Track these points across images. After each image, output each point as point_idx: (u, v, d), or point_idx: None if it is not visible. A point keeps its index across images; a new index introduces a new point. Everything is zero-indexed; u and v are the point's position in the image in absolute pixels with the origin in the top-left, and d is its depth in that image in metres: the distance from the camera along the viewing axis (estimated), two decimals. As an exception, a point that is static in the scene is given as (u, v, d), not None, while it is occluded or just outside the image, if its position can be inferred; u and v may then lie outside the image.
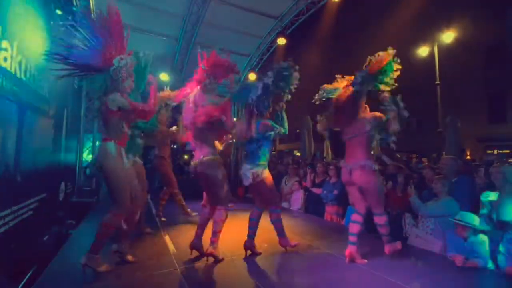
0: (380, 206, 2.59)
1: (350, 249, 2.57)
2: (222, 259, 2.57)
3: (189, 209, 4.26)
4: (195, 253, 2.66)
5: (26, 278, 2.58)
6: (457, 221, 2.53)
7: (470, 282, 2.27)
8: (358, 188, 2.62)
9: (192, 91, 2.79)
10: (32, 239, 2.97)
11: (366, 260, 2.56)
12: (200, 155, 2.66)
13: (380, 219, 2.59)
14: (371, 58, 2.55)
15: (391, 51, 2.48)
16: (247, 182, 2.76)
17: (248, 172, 2.71)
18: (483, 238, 2.45)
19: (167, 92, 3.74)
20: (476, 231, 2.46)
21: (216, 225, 2.62)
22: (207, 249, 2.56)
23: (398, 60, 2.51)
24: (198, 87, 2.74)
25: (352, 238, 2.61)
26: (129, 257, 2.54)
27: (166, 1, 6.47)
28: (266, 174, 2.79)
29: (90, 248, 2.22)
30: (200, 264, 2.56)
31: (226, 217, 2.67)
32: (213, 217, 2.68)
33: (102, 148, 2.31)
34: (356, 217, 2.67)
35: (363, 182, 2.53)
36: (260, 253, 2.80)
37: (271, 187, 2.83)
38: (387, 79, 2.55)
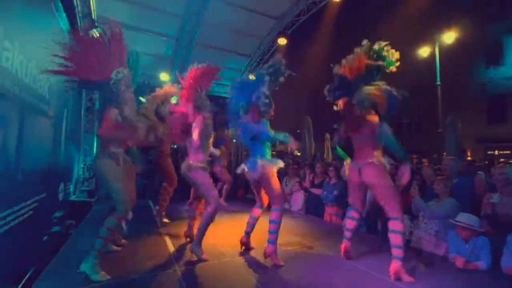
0: (395, 208, 2.29)
1: (345, 244, 2.62)
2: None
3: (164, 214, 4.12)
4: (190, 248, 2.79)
5: (25, 278, 2.57)
6: (457, 223, 2.52)
7: (472, 284, 2.26)
8: (366, 188, 2.51)
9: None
10: (32, 239, 2.96)
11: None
12: (191, 160, 2.80)
13: (394, 224, 2.27)
14: (344, 63, 2.55)
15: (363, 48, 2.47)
16: (254, 174, 2.63)
17: (255, 164, 2.62)
18: (485, 240, 2.44)
19: (164, 89, 3.75)
20: (476, 233, 2.45)
21: (202, 222, 2.74)
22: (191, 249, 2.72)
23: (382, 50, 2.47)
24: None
25: (347, 234, 2.62)
26: (122, 241, 2.92)
27: (166, 1, 6.47)
28: (273, 170, 2.68)
29: (91, 253, 2.26)
30: (200, 265, 2.56)
31: (212, 217, 2.73)
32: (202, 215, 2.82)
33: (99, 154, 2.46)
34: (352, 213, 2.64)
35: (373, 179, 2.37)
36: (253, 248, 2.91)
37: (277, 184, 2.70)
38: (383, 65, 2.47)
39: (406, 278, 2.21)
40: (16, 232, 2.43)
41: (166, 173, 4.12)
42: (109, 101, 2.47)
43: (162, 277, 2.31)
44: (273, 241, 2.60)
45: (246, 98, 2.72)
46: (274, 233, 2.61)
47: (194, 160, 2.79)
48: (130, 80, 2.57)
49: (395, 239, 2.25)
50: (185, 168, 2.82)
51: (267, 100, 2.64)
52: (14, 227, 2.40)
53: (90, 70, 2.38)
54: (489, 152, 13.65)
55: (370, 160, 2.38)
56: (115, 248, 2.86)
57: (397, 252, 2.24)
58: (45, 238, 3.41)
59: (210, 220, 2.72)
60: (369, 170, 2.38)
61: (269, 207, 2.81)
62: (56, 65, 2.26)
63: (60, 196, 4.35)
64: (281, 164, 2.71)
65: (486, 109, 13.67)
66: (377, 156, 2.40)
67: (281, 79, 2.72)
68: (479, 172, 3.38)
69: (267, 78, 2.65)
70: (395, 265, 2.22)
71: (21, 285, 2.49)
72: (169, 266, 2.51)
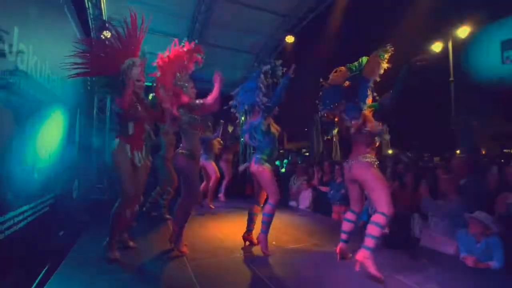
0: (382, 203, 2.21)
1: (341, 246, 2.62)
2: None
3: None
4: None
5: (42, 273, 2.67)
6: (472, 217, 2.46)
7: (483, 283, 2.22)
8: (358, 184, 2.52)
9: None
10: (47, 235, 3.07)
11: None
12: (179, 149, 2.77)
13: (377, 217, 2.21)
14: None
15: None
16: (252, 169, 2.85)
17: (253, 161, 2.84)
18: (497, 239, 2.39)
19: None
20: (489, 231, 2.40)
21: (177, 215, 2.71)
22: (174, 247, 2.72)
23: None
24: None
25: (343, 236, 2.63)
26: (131, 243, 2.85)
27: (174, 1, 6.53)
28: (268, 168, 2.81)
29: (107, 240, 2.54)
30: (209, 259, 2.62)
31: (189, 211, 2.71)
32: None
33: (112, 145, 2.58)
34: (349, 215, 2.65)
35: (360, 175, 2.37)
36: (256, 244, 2.94)
37: (271, 181, 2.81)
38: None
39: (374, 271, 2.13)
40: (33, 227, 2.54)
41: (168, 176, 4.17)
42: (120, 89, 2.53)
43: (173, 271, 2.37)
44: (264, 231, 2.83)
45: (249, 100, 2.77)
46: (266, 223, 2.83)
47: (180, 148, 2.73)
48: (144, 69, 2.67)
49: (372, 230, 2.18)
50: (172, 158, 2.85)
51: (266, 99, 2.69)
52: (31, 222, 2.50)
53: (101, 68, 2.54)
54: (505, 150, 13.17)
55: (359, 157, 2.38)
56: (132, 244, 2.87)
57: (370, 242, 2.17)
58: (61, 233, 3.54)
59: (185, 212, 2.67)
60: (356, 166, 2.38)
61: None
62: (70, 67, 2.41)
63: (74, 194, 4.50)
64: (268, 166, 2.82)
65: (503, 106, 13.17)
66: (366, 153, 2.38)
67: (278, 77, 2.79)
68: (493, 167, 3.28)
69: (261, 78, 2.71)
70: (363, 253, 2.17)
71: (38, 279, 2.59)
72: (179, 261, 2.56)
